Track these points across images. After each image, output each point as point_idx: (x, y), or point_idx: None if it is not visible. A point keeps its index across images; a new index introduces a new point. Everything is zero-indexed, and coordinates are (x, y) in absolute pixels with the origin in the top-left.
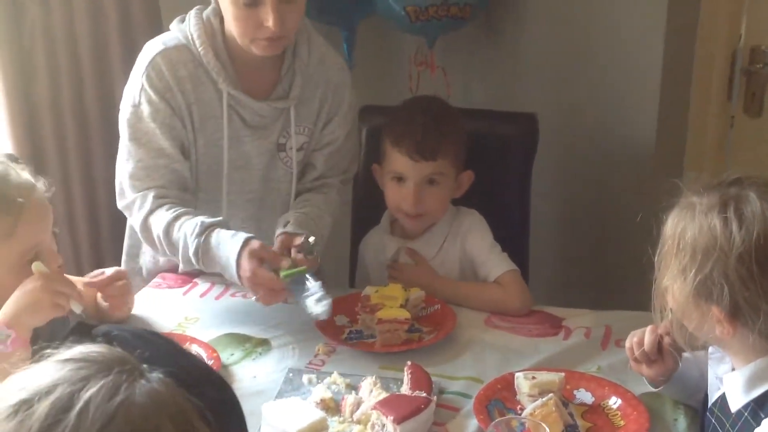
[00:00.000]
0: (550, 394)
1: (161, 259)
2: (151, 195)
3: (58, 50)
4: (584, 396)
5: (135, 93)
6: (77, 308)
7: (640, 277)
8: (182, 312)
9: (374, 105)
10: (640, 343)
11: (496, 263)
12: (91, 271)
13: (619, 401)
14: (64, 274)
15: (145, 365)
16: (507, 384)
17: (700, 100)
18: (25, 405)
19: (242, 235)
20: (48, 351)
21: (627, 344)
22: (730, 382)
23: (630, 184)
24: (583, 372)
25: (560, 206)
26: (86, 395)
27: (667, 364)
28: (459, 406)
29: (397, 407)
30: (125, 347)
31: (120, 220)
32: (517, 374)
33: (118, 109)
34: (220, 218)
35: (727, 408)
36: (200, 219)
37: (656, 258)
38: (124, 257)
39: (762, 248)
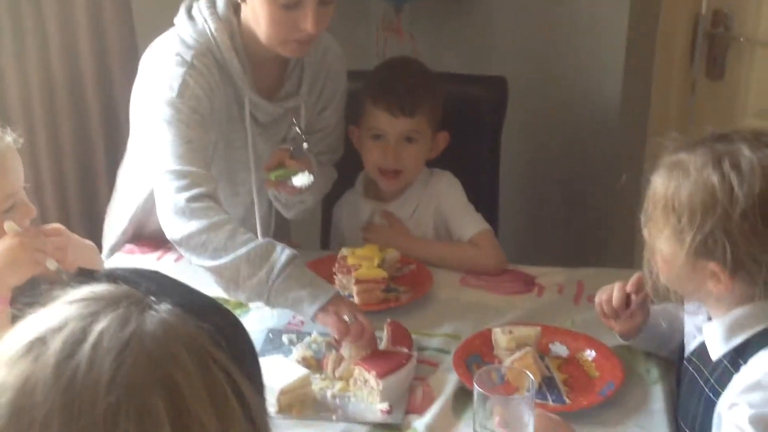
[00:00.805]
0: (527, 347)
1: None
2: (200, 179)
3: (23, 9)
4: (559, 349)
5: (174, 87)
6: (52, 265)
7: (608, 234)
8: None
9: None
10: (609, 299)
11: (469, 223)
12: None
13: (594, 353)
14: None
15: (152, 297)
16: (484, 339)
17: (663, 63)
18: (37, 343)
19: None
20: (55, 294)
21: (596, 300)
22: (709, 331)
23: (597, 144)
24: (557, 326)
25: (529, 168)
26: (98, 327)
27: (635, 319)
28: (437, 361)
29: (380, 363)
30: (130, 284)
31: (88, 190)
32: (494, 329)
33: (84, 72)
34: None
35: (706, 356)
36: (286, 250)
37: (643, 220)
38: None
39: (766, 202)
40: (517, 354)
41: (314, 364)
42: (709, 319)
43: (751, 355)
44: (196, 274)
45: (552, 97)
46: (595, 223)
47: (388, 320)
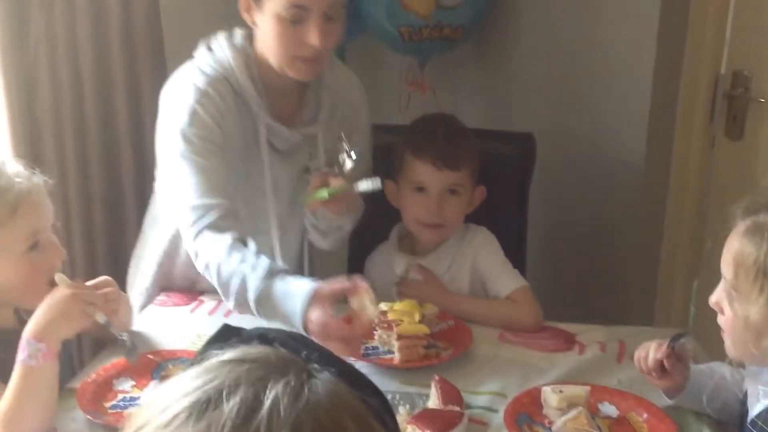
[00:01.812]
0: (580, 407)
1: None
2: (215, 207)
3: (59, 60)
4: (608, 409)
5: (184, 118)
6: (102, 318)
7: (635, 291)
8: (193, 329)
9: (376, 123)
10: (646, 356)
11: (507, 280)
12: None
13: (645, 413)
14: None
15: (315, 365)
16: (532, 398)
17: (684, 122)
18: (208, 405)
19: (309, 285)
20: (204, 354)
21: (635, 357)
22: None
23: (621, 201)
24: (604, 385)
25: (555, 225)
26: (272, 394)
27: (675, 378)
28: (486, 420)
29: (434, 421)
30: (287, 348)
31: (116, 234)
32: (543, 388)
33: (117, 115)
34: (286, 267)
35: None
36: (266, 261)
37: (724, 286)
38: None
39: None
40: (570, 414)
41: None
42: None
43: None
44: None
45: (577, 153)
46: (622, 279)
47: (436, 377)
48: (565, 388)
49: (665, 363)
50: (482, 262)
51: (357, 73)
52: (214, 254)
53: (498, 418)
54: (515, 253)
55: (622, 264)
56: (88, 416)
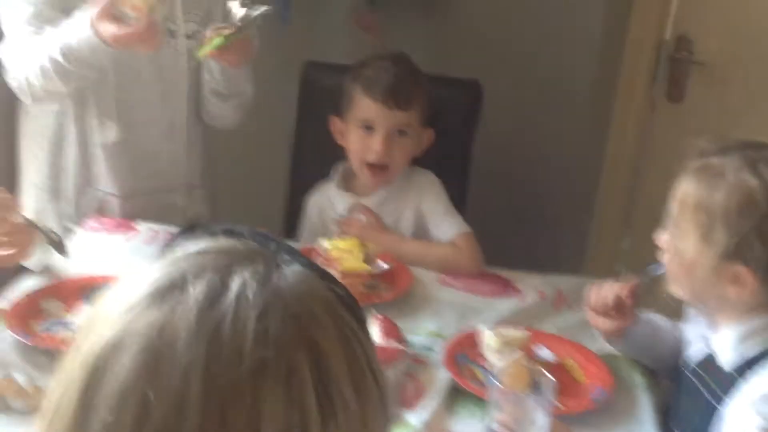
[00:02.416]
0: (519, 351)
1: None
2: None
3: None
4: (546, 354)
5: None
6: (21, 217)
7: (568, 243)
8: (127, 258)
9: (319, 61)
10: (603, 296)
11: (450, 224)
12: None
13: (581, 359)
14: None
15: (283, 256)
16: (471, 339)
17: (627, 82)
18: (172, 290)
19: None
20: (167, 249)
21: (589, 295)
22: (720, 341)
23: (561, 154)
24: (542, 331)
25: (497, 173)
26: (238, 279)
27: (624, 321)
28: (424, 359)
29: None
30: (255, 241)
31: None
32: (483, 329)
33: None
34: None
35: (712, 366)
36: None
37: (668, 223)
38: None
39: None
40: (509, 357)
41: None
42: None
43: (766, 366)
44: None
45: (522, 102)
46: (564, 236)
47: (377, 314)
48: (504, 331)
49: (627, 301)
50: (426, 206)
51: (305, 11)
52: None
53: (436, 357)
54: (458, 199)
55: (557, 217)
56: (18, 337)
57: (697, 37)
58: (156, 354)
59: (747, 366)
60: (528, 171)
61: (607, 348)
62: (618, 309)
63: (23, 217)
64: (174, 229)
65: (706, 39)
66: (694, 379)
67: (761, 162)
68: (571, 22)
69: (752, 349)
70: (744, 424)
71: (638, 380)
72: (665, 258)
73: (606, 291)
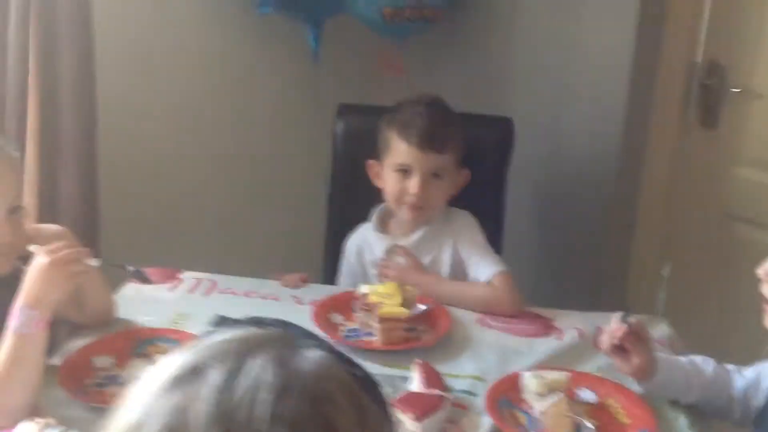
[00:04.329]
0: (560, 393)
1: None
2: None
3: None
4: (587, 395)
5: None
6: (96, 262)
7: (608, 277)
8: (173, 308)
9: (352, 104)
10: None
11: (487, 264)
12: None
13: (623, 399)
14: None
15: (304, 341)
16: (512, 383)
17: (660, 110)
18: (192, 374)
19: None
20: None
21: (597, 341)
22: None
23: (596, 187)
24: (583, 371)
25: (532, 210)
26: (256, 362)
27: (639, 359)
28: (466, 404)
29: (417, 404)
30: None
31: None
32: (524, 373)
33: None
34: None
35: None
36: None
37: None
38: None
39: None
40: (550, 400)
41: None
42: None
43: None
44: (214, 304)
45: (554, 139)
46: (597, 267)
47: (418, 360)
48: (545, 374)
49: (626, 344)
50: (463, 246)
51: (330, 53)
52: None
53: (478, 402)
54: (492, 237)
55: (595, 250)
56: (70, 394)
57: (729, 63)
58: None
59: None
60: (563, 205)
61: None
62: (624, 351)
63: (96, 261)
64: (216, 276)
65: (738, 65)
66: None
67: None
68: (600, 51)
69: None
70: None
71: (682, 421)
72: (765, 289)
73: (605, 336)
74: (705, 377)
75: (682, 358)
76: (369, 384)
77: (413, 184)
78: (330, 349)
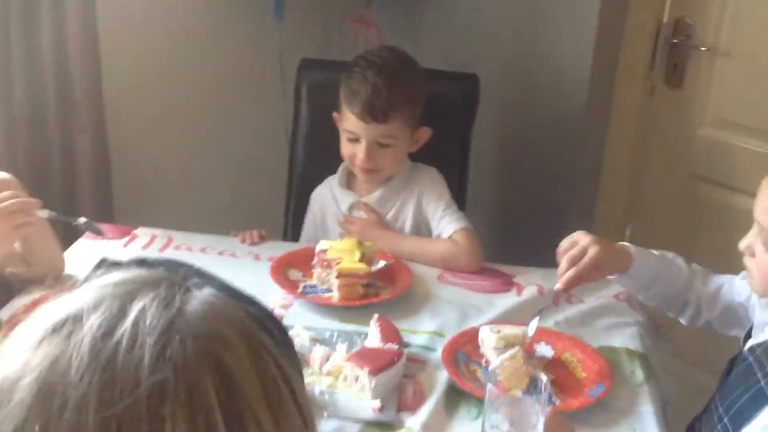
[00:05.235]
0: (516, 347)
1: None
2: None
3: None
4: (544, 350)
5: None
6: (44, 214)
7: (571, 233)
8: None
9: (314, 59)
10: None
11: (450, 221)
12: None
13: (579, 354)
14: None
15: (193, 281)
16: (470, 337)
17: (626, 68)
18: (68, 322)
19: None
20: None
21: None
22: None
23: (561, 144)
24: (541, 327)
25: (497, 166)
26: (138, 305)
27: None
28: (424, 359)
29: (372, 359)
30: (167, 269)
31: None
32: (482, 327)
33: None
34: None
35: None
36: None
37: (763, 231)
38: None
39: None
40: (507, 354)
41: (300, 359)
42: None
43: None
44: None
45: (519, 95)
46: (560, 222)
47: (376, 315)
48: (503, 328)
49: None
50: (428, 203)
51: (301, 8)
52: None
53: (436, 357)
54: (457, 193)
55: (559, 206)
56: None
57: (696, 21)
58: (49, 387)
59: None
60: (528, 162)
61: (607, 342)
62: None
63: (47, 213)
64: (171, 232)
65: (705, 23)
66: (750, 359)
67: None
68: (567, 9)
69: None
70: None
71: (639, 375)
72: (752, 262)
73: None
74: (672, 272)
75: (654, 251)
76: (267, 321)
77: (360, 151)
78: (223, 287)
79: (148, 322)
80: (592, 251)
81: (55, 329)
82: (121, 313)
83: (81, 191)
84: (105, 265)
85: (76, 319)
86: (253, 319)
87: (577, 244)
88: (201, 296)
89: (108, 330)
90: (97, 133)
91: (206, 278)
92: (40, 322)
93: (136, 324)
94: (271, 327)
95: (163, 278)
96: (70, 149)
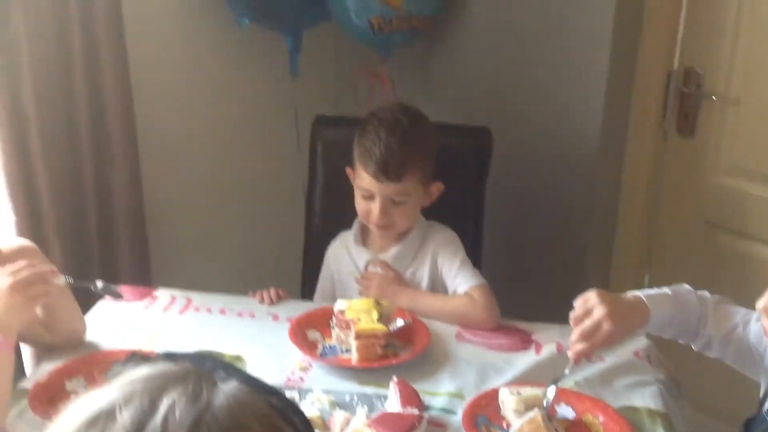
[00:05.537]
0: (536, 409)
1: None
2: None
3: None
4: (565, 411)
5: None
6: (61, 281)
7: (589, 286)
8: (147, 327)
9: (328, 115)
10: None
11: (465, 278)
12: None
13: (601, 415)
14: (21, 260)
15: (218, 374)
16: (490, 399)
17: (638, 118)
18: (102, 416)
19: None
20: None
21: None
22: None
23: (575, 196)
24: (562, 387)
25: (511, 220)
26: (167, 400)
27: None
28: (444, 422)
29: (393, 424)
30: (192, 363)
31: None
32: (501, 389)
33: None
34: None
35: None
36: None
37: None
38: None
39: None
40: (527, 416)
41: (321, 424)
42: None
43: None
44: (188, 322)
45: (532, 147)
46: (579, 275)
47: (395, 378)
48: (523, 390)
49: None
50: (442, 260)
51: (313, 63)
52: None
53: (456, 420)
54: (472, 247)
55: (575, 259)
56: (40, 417)
57: (706, 70)
58: None
59: None
60: (543, 214)
61: (628, 402)
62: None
63: (63, 279)
64: (190, 293)
65: (715, 72)
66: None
67: None
68: (577, 59)
69: None
70: None
71: None
72: (765, 322)
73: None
74: (684, 313)
75: (667, 290)
76: (290, 412)
77: (374, 208)
78: (247, 380)
79: (177, 417)
80: (606, 328)
81: (90, 423)
82: (152, 408)
83: (119, 254)
84: (134, 359)
85: (109, 415)
86: (276, 410)
87: (590, 312)
88: (226, 389)
89: (140, 426)
90: (133, 191)
91: (231, 371)
92: (75, 417)
93: (165, 420)
94: (293, 418)
95: (190, 372)
96: (108, 211)
